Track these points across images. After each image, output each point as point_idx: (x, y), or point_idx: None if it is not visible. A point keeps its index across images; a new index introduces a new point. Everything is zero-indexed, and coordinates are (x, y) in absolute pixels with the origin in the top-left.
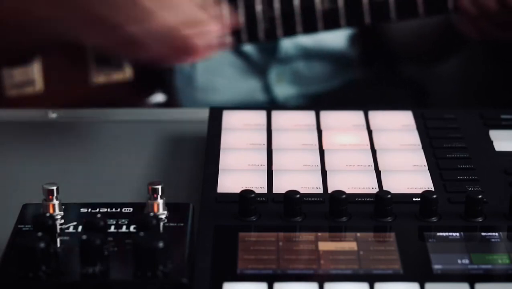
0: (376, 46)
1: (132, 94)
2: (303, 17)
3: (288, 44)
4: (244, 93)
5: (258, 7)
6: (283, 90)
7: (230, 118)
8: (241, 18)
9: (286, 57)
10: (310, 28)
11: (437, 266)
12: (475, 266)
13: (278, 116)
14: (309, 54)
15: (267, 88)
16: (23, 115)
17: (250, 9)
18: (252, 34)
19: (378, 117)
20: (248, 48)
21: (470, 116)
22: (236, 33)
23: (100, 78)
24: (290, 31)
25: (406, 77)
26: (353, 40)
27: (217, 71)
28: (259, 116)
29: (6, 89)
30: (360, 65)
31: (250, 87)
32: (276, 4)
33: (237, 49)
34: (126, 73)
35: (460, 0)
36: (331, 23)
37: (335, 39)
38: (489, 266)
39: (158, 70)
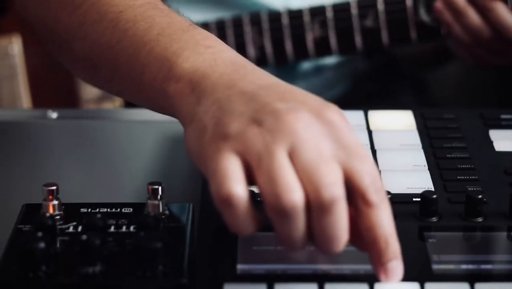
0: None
1: None
2: (294, 45)
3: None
4: None
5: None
6: None
7: None
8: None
9: (306, 75)
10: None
11: (437, 266)
12: (475, 266)
13: None
14: (319, 67)
15: None
16: (23, 115)
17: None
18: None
19: (378, 117)
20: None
21: (470, 116)
22: None
23: (90, 105)
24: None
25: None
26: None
27: None
28: None
29: None
30: (365, 71)
31: None
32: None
33: None
34: (117, 101)
35: (452, 29)
36: (323, 50)
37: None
38: (489, 266)
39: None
